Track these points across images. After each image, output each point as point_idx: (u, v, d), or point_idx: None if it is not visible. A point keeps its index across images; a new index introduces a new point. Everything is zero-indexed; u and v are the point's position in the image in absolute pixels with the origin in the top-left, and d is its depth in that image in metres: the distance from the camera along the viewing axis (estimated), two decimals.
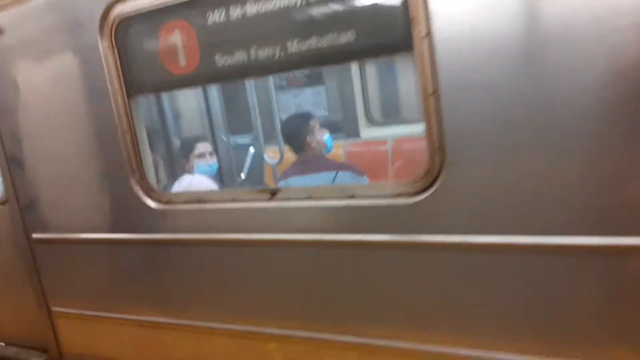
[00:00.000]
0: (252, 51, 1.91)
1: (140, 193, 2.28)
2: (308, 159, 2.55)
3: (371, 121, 4.75)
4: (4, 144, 2.63)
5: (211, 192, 2.16)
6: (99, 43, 2.16)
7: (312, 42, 1.80)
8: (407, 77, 4.69)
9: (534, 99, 1.49)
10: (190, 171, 2.84)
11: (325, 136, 2.59)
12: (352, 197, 1.84)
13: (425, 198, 1.70)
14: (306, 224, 1.94)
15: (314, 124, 2.59)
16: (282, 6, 1.82)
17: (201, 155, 2.84)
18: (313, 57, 1.82)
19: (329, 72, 4.83)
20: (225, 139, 4.52)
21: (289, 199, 1.97)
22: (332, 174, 2.41)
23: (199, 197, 2.18)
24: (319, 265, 1.95)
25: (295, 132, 2.59)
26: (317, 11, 1.79)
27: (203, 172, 2.80)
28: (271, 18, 1.86)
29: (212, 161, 2.87)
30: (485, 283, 1.69)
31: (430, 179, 1.69)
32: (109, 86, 2.20)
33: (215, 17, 1.95)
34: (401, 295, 1.82)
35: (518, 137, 1.54)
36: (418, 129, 4.61)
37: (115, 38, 2.15)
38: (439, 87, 1.60)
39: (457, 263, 1.71)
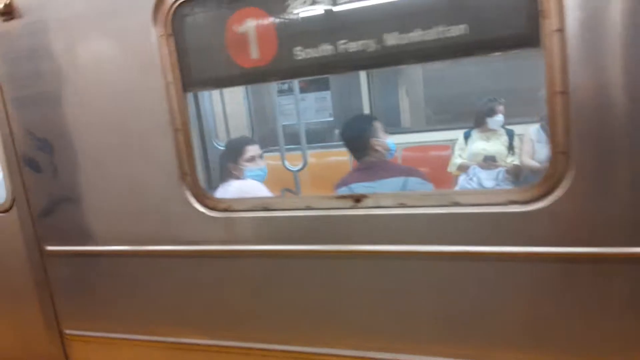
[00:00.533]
0: (341, 43, 1.74)
1: (192, 199, 2.03)
2: (372, 164, 2.38)
3: None
4: (15, 138, 2.29)
5: (280, 198, 1.95)
6: (152, 29, 1.92)
7: (416, 35, 1.65)
8: (415, 85, 4.62)
9: None
10: (239, 176, 2.60)
11: (388, 139, 2.44)
12: (456, 204, 1.69)
13: (545, 206, 1.58)
14: (398, 234, 1.77)
15: (378, 125, 2.43)
16: None
17: (251, 159, 2.61)
18: (415, 52, 1.67)
19: (335, 77, 4.67)
20: (217, 145, 4.31)
21: (378, 206, 1.79)
22: (401, 179, 2.25)
23: (265, 204, 1.96)
24: (415, 279, 1.78)
25: (358, 135, 2.41)
26: (423, 0, 1.65)
27: (254, 177, 2.56)
28: (367, 7, 1.70)
29: (263, 165, 2.65)
30: (608, 294, 1.58)
31: (550, 185, 1.57)
32: (161, 79, 1.95)
33: (298, 5, 1.76)
34: (514, 310, 1.68)
35: None
36: (425, 138, 4.60)
37: (172, 25, 1.91)
38: (569, 86, 1.49)
39: (578, 275, 1.60)
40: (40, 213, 2.34)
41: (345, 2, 1.71)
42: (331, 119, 4.83)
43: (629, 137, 1.46)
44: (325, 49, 1.76)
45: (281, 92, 4.94)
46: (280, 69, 1.85)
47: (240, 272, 2.03)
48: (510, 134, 3.93)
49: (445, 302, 1.76)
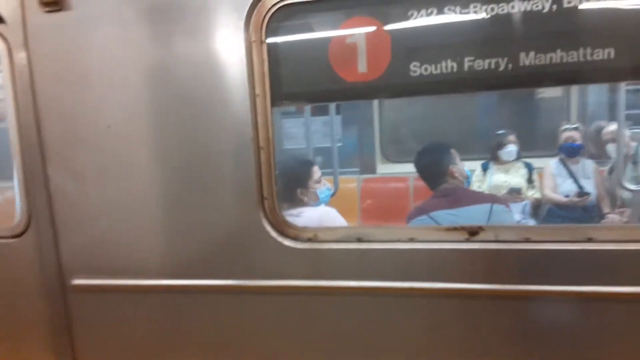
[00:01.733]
0: (467, 61, 1.59)
1: (269, 227, 1.78)
2: (451, 191, 2.24)
3: (388, 158, 4.51)
4: (43, 141, 1.93)
5: (378, 228, 1.74)
6: (243, 34, 1.69)
7: (556, 56, 1.54)
8: (432, 113, 4.56)
9: None
10: (312, 201, 2.33)
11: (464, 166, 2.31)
12: (589, 240, 1.56)
13: None
14: (521, 273, 1.62)
15: (454, 152, 2.30)
16: (520, 10, 1.54)
17: (319, 180, 2.36)
18: (553, 75, 1.56)
19: (346, 103, 4.53)
20: None
21: (497, 240, 1.63)
22: (487, 206, 2.11)
23: (359, 234, 1.75)
24: (543, 320, 1.62)
25: (436, 162, 2.27)
26: (569, 20, 1.54)
27: (325, 200, 2.31)
28: (501, 23, 1.58)
29: (327, 184, 2.41)
30: None
31: None
32: (248, 90, 1.72)
33: (421, 16, 1.60)
34: None
35: None
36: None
37: (267, 31, 1.70)
38: None
39: None
40: (67, 238, 1.99)
41: (475, 16, 1.57)
42: (339, 144, 4.67)
43: None
44: (448, 66, 1.61)
45: (284, 113, 4.73)
46: (390, 86, 1.68)
47: (329, 311, 1.79)
48: (530, 167, 3.93)
49: (577, 344, 1.61)
